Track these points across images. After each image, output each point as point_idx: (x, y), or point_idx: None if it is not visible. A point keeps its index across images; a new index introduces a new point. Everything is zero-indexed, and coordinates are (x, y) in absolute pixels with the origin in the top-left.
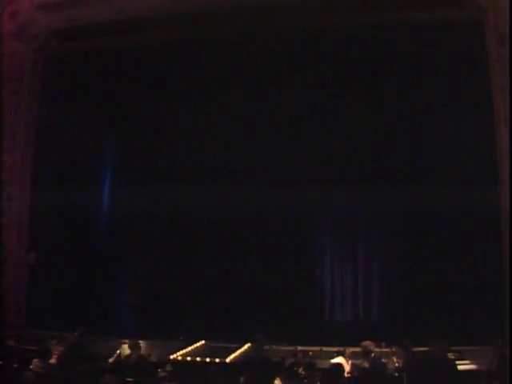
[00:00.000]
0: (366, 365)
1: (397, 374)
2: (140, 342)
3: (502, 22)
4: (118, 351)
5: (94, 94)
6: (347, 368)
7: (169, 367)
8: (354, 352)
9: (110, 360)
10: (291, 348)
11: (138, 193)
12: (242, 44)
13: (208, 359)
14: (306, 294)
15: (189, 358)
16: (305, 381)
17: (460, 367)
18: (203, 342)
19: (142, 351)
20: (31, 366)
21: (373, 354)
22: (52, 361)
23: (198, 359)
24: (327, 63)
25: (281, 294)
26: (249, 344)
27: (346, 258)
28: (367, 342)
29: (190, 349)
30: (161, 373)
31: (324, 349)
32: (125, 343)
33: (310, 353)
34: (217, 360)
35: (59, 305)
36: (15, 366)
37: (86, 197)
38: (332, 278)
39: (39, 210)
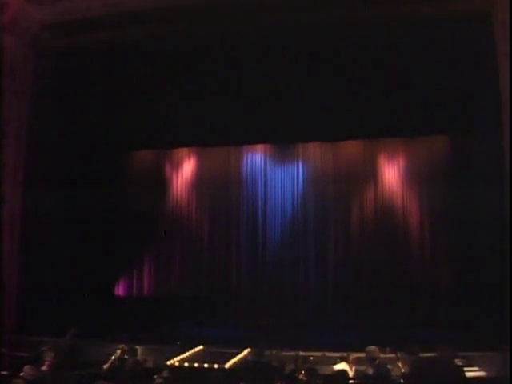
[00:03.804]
0: (370, 371)
1: (402, 381)
2: (136, 346)
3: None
4: (113, 357)
5: (89, 90)
6: (351, 374)
7: (166, 373)
8: (357, 358)
9: (105, 366)
10: (292, 353)
11: (136, 193)
12: (242, 38)
13: (206, 365)
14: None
15: (186, 364)
16: None
17: (468, 374)
18: (201, 347)
19: (138, 356)
20: (22, 373)
21: (377, 360)
22: (44, 367)
23: (195, 365)
24: (330, 57)
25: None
26: (248, 349)
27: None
28: (371, 348)
29: (187, 354)
30: (157, 379)
31: (326, 354)
32: (120, 348)
33: (312, 358)
34: (215, 366)
35: (52, 309)
36: (5, 373)
37: (82, 196)
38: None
39: (33, 211)
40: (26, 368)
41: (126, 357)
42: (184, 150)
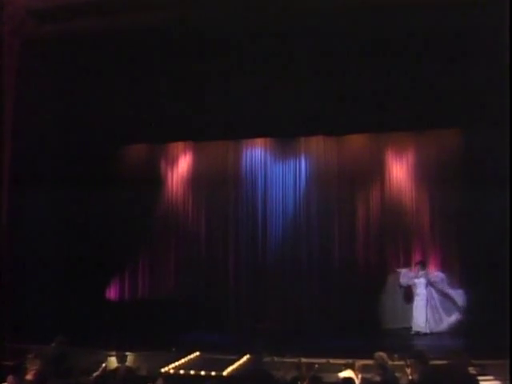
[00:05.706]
0: (378, 379)
1: None
2: (128, 353)
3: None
4: (104, 364)
5: (78, 80)
6: (357, 382)
7: (160, 381)
8: (364, 365)
9: (95, 374)
10: (294, 360)
11: (129, 190)
12: (241, 27)
13: (203, 372)
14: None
15: (182, 371)
16: None
17: (482, 383)
18: (198, 353)
19: (131, 364)
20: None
21: (385, 368)
22: (28, 376)
23: (192, 372)
24: (335, 47)
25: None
26: (248, 355)
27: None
28: (379, 354)
29: (183, 361)
30: None
31: (331, 361)
32: (111, 355)
33: (316, 365)
34: (213, 373)
35: (39, 316)
36: None
37: (71, 194)
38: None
39: (20, 212)
40: (10, 378)
41: (117, 364)
42: (180, 145)
